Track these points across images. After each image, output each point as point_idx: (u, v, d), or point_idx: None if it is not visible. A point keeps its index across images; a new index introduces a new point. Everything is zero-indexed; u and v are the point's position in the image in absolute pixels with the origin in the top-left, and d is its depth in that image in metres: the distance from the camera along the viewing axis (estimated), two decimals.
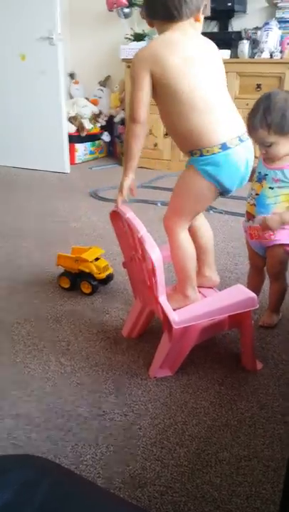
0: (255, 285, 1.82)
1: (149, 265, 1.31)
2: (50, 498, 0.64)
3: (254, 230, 1.66)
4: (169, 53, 1.32)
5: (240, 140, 1.38)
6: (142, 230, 1.33)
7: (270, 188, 1.59)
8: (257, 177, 1.64)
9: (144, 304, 1.58)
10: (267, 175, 1.60)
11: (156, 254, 1.29)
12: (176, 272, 1.54)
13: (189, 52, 1.35)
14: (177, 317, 1.34)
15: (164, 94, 1.35)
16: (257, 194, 1.63)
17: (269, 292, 1.77)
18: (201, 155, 1.36)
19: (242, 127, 1.42)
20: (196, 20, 1.38)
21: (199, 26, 1.40)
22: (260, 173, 1.63)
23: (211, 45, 1.44)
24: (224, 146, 1.35)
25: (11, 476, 0.66)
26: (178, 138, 1.43)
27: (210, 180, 1.39)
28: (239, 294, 1.42)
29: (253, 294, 1.41)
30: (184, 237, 1.48)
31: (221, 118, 1.37)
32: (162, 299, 1.35)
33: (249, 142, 1.42)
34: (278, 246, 1.63)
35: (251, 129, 1.51)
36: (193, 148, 1.38)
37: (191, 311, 1.38)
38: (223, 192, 1.44)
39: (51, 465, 0.77)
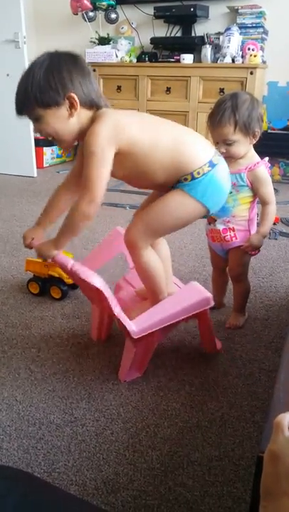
0: (219, 286, 1.85)
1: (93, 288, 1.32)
2: (21, 509, 0.63)
3: (215, 232, 1.69)
4: (126, 117, 1.32)
5: (218, 155, 1.37)
6: (69, 263, 1.31)
7: (229, 192, 1.61)
8: None
9: (101, 308, 1.60)
10: None
11: (97, 281, 1.29)
12: (147, 288, 1.51)
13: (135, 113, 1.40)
14: (135, 327, 1.34)
15: (134, 157, 1.29)
16: None
17: (233, 294, 1.81)
18: (193, 178, 1.32)
19: (212, 147, 1.40)
20: None
21: None
22: None
23: None
24: (211, 163, 1.33)
25: None
26: (161, 179, 1.35)
27: (203, 201, 1.34)
28: (194, 295, 1.41)
29: (207, 294, 1.41)
30: (151, 254, 1.43)
31: (197, 141, 1.37)
32: (117, 310, 1.34)
33: (222, 158, 1.40)
34: (239, 248, 1.66)
35: (217, 125, 1.53)
36: (181, 176, 1.33)
37: (147, 319, 1.36)
38: (208, 213, 1.41)
39: (22, 475, 0.77)
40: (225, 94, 1.61)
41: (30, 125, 4.45)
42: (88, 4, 4.04)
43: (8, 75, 3.86)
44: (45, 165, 4.41)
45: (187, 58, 3.80)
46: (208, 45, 3.77)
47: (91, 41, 4.20)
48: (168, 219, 1.39)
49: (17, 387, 1.44)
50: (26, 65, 4.30)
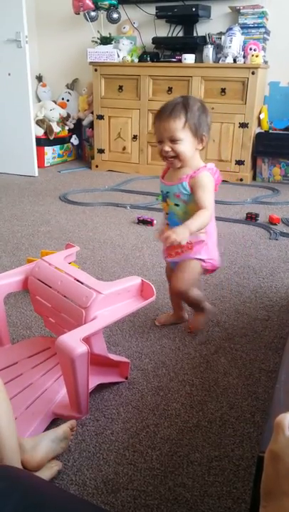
0: (177, 301, 1.76)
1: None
2: (22, 509, 0.63)
3: (172, 248, 1.56)
4: None
5: None
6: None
7: (175, 205, 1.53)
8: (162, 197, 1.58)
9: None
10: (168, 192, 1.53)
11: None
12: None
13: None
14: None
15: None
16: (167, 213, 1.57)
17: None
18: None
19: None
20: None
21: None
22: (162, 191, 1.57)
23: None
24: None
25: None
26: None
27: None
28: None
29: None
30: None
31: None
32: None
33: None
34: (195, 260, 1.56)
35: (166, 118, 1.42)
36: None
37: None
38: None
39: (22, 474, 0.77)
40: (176, 97, 1.50)
41: (31, 124, 4.48)
42: (90, 4, 4.03)
43: (9, 74, 3.87)
44: (46, 164, 4.41)
45: (189, 58, 3.80)
46: (209, 45, 3.77)
47: (93, 41, 4.20)
48: None
49: None
50: (28, 64, 4.34)
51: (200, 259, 1.57)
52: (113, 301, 1.30)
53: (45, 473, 1.08)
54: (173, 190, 1.52)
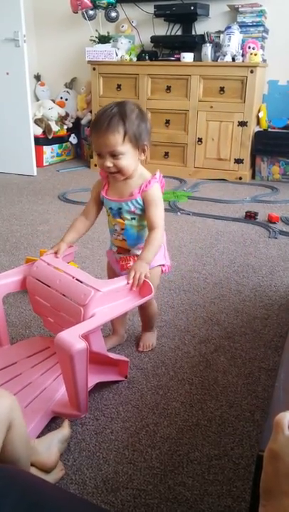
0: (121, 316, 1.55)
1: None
2: (20, 508, 0.63)
3: (127, 260, 1.50)
4: None
5: None
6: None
7: (132, 218, 1.44)
8: (112, 213, 1.46)
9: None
10: (121, 209, 1.43)
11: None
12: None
13: None
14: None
15: None
16: (122, 229, 1.46)
17: (140, 317, 1.66)
18: None
19: None
20: None
21: None
22: (111, 208, 1.45)
23: None
24: None
25: None
26: None
27: None
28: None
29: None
30: None
31: None
32: None
33: None
34: (156, 267, 1.50)
35: (104, 133, 1.31)
36: None
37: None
38: None
39: (20, 474, 0.77)
40: (110, 104, 1.38)
41: (30, 124, 4.46)
42: (88, 2, 4.03)
43: (7, 73, 3.86)
44: (45, 164, 4.41)
45: (187, 57, 3.79)
46: (208, 44, 3.77)
47: (91, 40, 4.19)
48: None
49: None
50: (26, 63, 4.32)
51: (160, 265, 1.52)
52: (111, 298, 1.30)
53: (53, 477, 1.10)
54: (127, 206, 1.42)
